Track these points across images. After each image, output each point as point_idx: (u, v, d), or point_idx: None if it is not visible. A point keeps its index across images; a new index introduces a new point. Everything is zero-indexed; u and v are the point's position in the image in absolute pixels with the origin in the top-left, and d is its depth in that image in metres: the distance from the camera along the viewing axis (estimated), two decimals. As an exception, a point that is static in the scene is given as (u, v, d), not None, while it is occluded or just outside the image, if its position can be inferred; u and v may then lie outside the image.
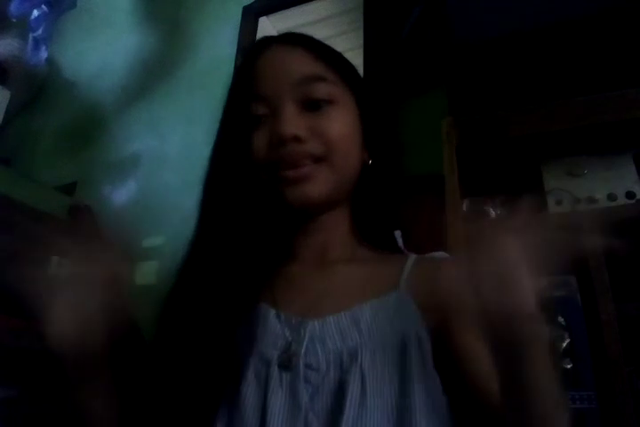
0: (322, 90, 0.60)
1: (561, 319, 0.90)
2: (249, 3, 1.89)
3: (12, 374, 1.36)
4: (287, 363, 0.53)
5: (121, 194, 1.85)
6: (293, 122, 0.58)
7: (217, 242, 0.60)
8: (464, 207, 1.10)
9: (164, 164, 1.81)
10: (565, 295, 0.91)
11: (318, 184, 0.58)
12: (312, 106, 0.60)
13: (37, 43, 2.11)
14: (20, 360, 1.36)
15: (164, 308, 0.60)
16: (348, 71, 0.66)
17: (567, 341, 0.88)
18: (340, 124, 0.61)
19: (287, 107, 0.59)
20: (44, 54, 2.12)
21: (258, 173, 0.60)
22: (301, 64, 0.61)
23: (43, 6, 2.06)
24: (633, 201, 1.01)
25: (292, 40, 0.65)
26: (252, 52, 0.65)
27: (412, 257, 0.64)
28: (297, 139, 0.57)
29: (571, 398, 0.84)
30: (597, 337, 0.85)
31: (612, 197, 1.03)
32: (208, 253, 0.59)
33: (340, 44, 1.76)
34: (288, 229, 0.64)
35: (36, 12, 2.07)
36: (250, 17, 1.87)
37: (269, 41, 0.65)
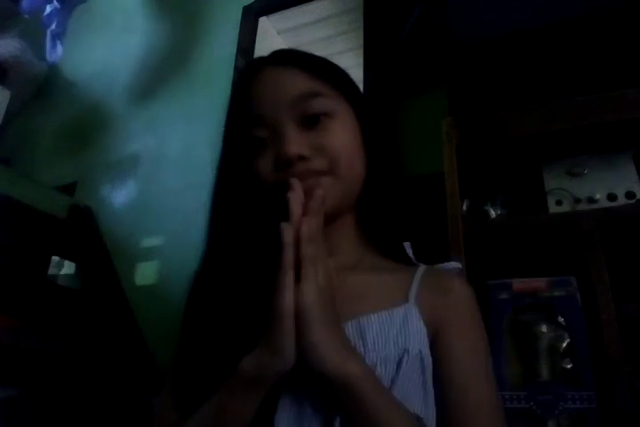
0: (318, 105, 0.61)
1: (561, 319, 0.90)
2: (249, 3, 1.89)
3: (12, 374, 1.36)
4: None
5: (121, 194, 1.85)
6: (296, 141, 0.58)
7: (227, 254, 0.62)
8: (464, 207, 1.10)
9: (164, 164, 1.81)
10: (565, 295, 0.91)
11: (326, 196, 0.58)
12: (310, 121, 0.60)
13: (53, 39, 2.09)
14: (20, 360, 1.36)
15: (183, 321, 0.62)
16: (345, 84, 0.67)
17: (567, 341, 0.89)
18: (340, 136, 0.61)
19: (288, 127, 0.59)
20: (59, 50, 2.11)
21: (265, 194, 0.61)
22: (296, 83, 0.62)
23: (55, 2, 2.05)
24: (633, 201, 1.01)
25: (284, 60, 0.65)
26: (245, 75, 0.66)
27: (422, 268, 0.64)
28: (302, 158, 0.58)
29: (571, 398, 0.84)
30: (597, 337, 0.85)
31: (611, 197, 1.03)
32: (220, 265, 0.61)
33: (339, 44, 1.78)
34: None
35: (48, 8, 2.06)
36: (250, 17, 1.87)
37: (261, 63, 0.66)
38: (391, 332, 0.55)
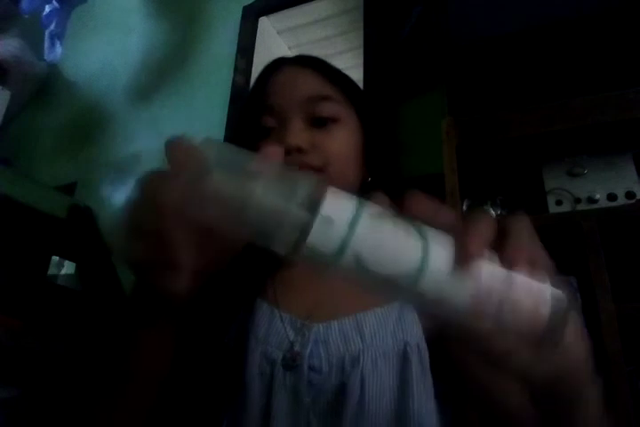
0: (327, 109, 0.64)
1: (561, 319, 0.90)
2: (249, 3, 1.89)
3: (13, 375, 1.36)
4: (291, 363, 0.54)
5: (121, 194, 1.85)
6: (298, 135, 0.61)
7: None
8: (464, 207, 1.10)
9: (164, 164, 1.81)
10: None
11: None
12: (317, 122, 0.63)
13: (52, 39, 2.10)
14: (21, 360, 1.36)
15: None
16: (353, 92, 0.69)
17: (567, 341, 0.88)
18: (341, 142, 0.64)
19: (294, 121, 0.63)
20: (58, 50, 2.11)
21: None
22: (310, 84, 0.66)
23: (54, 2, 2.05)
24: (633, 201, 1.01)
25: (303, 61, 0.69)
26: (265, 70, 0.70)
27: None
28: (299, 150, 0.60)
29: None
30: (597, 337, 0.85)
31: (611, 197, 1.03)
32: None
33: (339, 44, 1.78)
34: None
35: (47, 8, 2.06)
36: (250, 17, 1.87)
37: (282, 61, 0.70)
38: (388, 326, 0.57)
